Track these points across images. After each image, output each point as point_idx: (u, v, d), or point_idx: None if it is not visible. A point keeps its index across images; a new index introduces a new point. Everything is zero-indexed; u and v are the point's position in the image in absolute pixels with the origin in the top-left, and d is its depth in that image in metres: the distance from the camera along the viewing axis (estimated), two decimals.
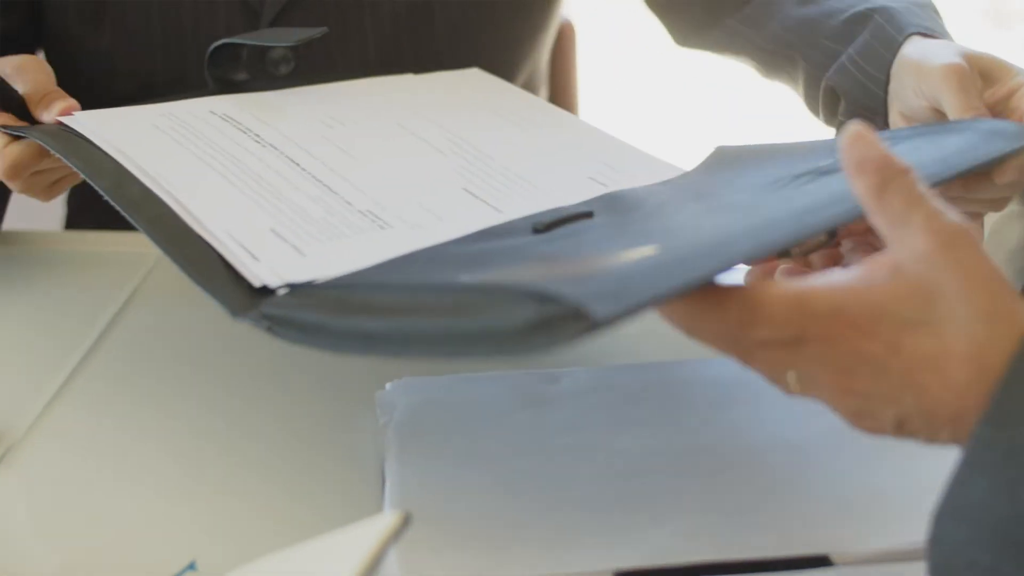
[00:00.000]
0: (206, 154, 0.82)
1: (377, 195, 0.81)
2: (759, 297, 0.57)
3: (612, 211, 0.81)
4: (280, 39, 0.94)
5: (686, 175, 0.90)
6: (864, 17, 0.98)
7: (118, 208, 0.76)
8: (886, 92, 0.94)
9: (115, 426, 0.84)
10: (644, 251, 0.64)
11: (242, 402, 0.86)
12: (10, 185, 0.89)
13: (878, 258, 0.58)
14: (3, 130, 0.87)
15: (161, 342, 0.94)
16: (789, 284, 0.57)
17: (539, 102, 1.02)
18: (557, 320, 0.55)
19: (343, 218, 0.77)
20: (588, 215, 0.80)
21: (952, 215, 0.57)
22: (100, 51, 1.14)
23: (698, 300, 0.57)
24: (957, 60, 0.87)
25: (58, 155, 0.82)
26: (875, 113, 0.96)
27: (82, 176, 0.80)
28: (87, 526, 0.74)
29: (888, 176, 0.58)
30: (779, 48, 1.09)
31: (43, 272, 1.05)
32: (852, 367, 0.57)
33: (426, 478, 0.74)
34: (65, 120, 0.86)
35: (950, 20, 1.00)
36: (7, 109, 0.89)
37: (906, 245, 0.57)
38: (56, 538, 0.73)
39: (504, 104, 0.98)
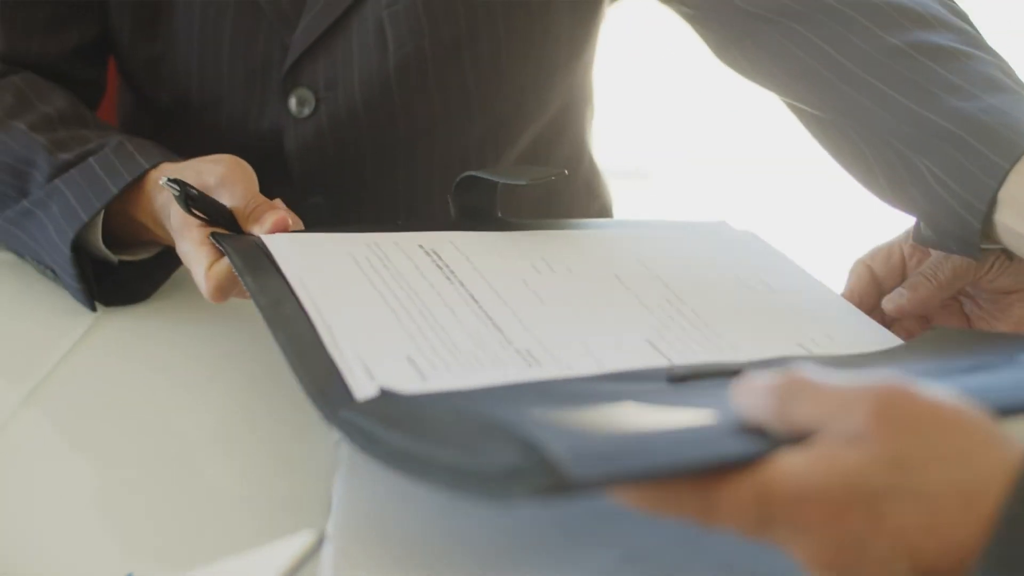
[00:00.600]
0: (386, 286, 0.84)
1: (544, 336, 0.81)
2: (717, 490, 0.55)
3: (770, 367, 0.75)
4: (518, 176, 0.94)
5: (890, 353, 0.85)
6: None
7: (267, 324, 0.78)
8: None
9: (58, 441, 0.85)
10: (688, 417, 0.61)
11: (192, 415, 0.87)
12: (222, 300, 0.91)
13: (831, 435, 0.55)
14: (211, 239, 0.89)
15: (114, 358, 0.96)
16: (750, 473, 0.55)
17: (787, 263, 0.98)
18: (532, 470, 0.54)
19: (492, 353, 0.78)
20: (735, 372, 0.77)
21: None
22: (136, 68, 1.17)
23: (658, 487, 0.56)
24: None
25: (236, 272, 0.84)
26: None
27: (246, 285, 0.83)
28: (25, 537, 0.74)
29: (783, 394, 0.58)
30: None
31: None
32: (831, 546, 0.53)
33: (375, 494, 0.74)
34: (264, 239, 0.88)
35: None
36: (215, 224, 0.91)
37: (847, 430, 0.55)
38: None
39: (754, 267, 0.96)
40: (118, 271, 1.02)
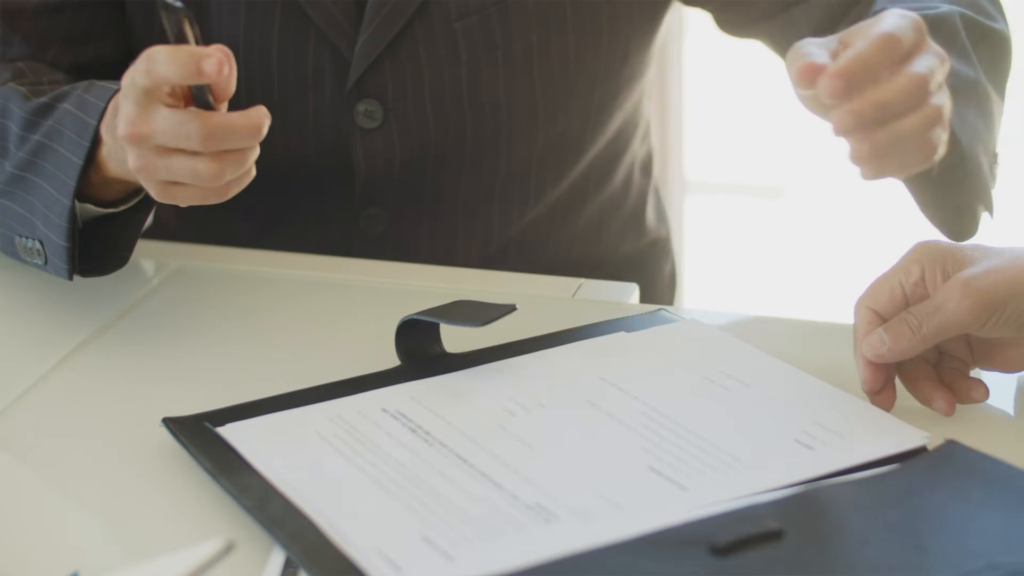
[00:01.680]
0: (367, 461, 0.82)
1: (548, 485, 0.79)
2: None
3: (803, 524, 0.76)
4: (469, 318, 0.91)
5: (899, 472, 0.82)
6: None
7: (262, 527, 0.77)
8: None
9: (8, 441, 0.88)
10: None
11: (136, 417, 0.89)
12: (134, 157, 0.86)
13: None
14: (164, 424, 0.86)
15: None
16: None
17: (755, 355, 0.95)
18: None
19: (506, 515, 0.77)
20: (777, 534, 0.75)
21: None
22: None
23: None
24: None
25: (205, 472, 0.82)
26: None
27: (223, 487, 0.81)
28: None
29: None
30: None
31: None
32: None
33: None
34: (221, 432, 0.85)
35: None
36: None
37: None
38: None
39: (714, 362, 0.93)
40: (90, 238, 0.99)
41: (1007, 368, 0.90)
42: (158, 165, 0.86)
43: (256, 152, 0.87)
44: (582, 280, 1.08)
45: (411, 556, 0.74)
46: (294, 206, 1.18)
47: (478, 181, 1.19)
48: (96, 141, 0.94)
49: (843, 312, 0.94)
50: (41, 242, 0.98)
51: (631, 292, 1.08)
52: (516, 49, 1.13)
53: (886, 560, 0.73)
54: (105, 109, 0.93)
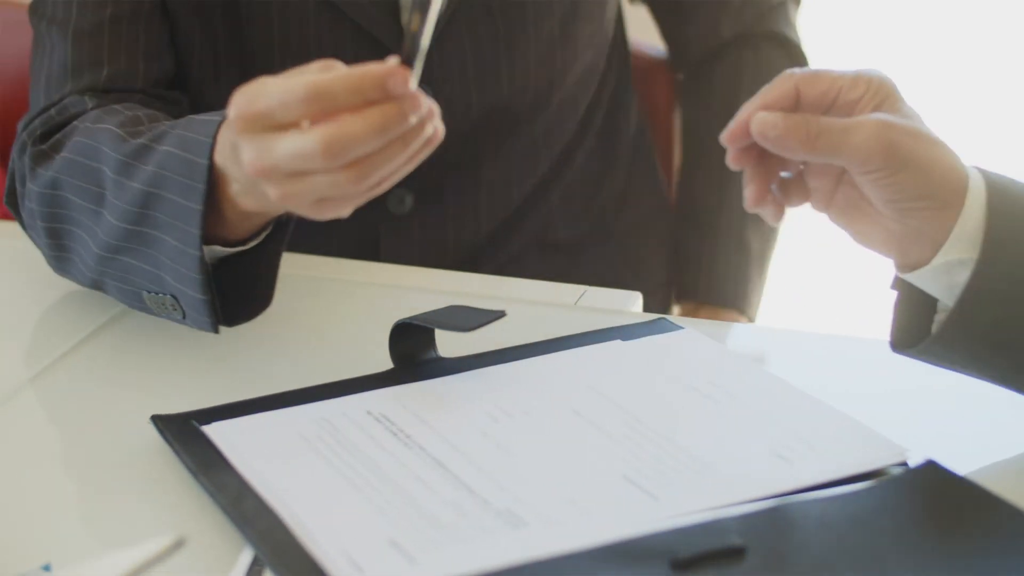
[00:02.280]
0: (345, 463, 0.83)
1: (521, 491, 0.80)
2: None
3: (766, 542, 0.75)
4: (460, 322, 0.91)
5: (872, 490, 0.80)
6: None
7: (234, 524, 0.78)
8: None
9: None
10: None
11: (129, 415, 0.90)
12: (270, 188, 0.81)
13: None
14: (153, 423, 0.87)
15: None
16: None
17: (746, 366, 0.95)
18: None
19: (476, 520, 0.77)
20: (739, 551, 0.74)
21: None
22: (217, 100, 1.07)
23: None
24: None
25: (188, 470, 0.83)
26: None
27: (202, 484, 0.82)
28: None
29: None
30: None
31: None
32: None
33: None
34: (206, 430, 0.86)
35: None
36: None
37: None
38: None
39: (705, 373, 0.93)
40: (225, 281, 0.93)
41: (859, 235, 0.85)
42: (299, 190, 0.80)
43: (422, 134, 0.80)
44: (585, 288, 1.09)
45: (375, 558, 0.75)
46: None
47: (503, 154, 1.22)
48: (212, 182, 0.88)
49: (843, 325, 0.94)
50: (175, 296, 0.93)
51: (635, 300, 1.08)
52: (545, 25, 1.16)
53: None
54: (213, 145, 0.87)
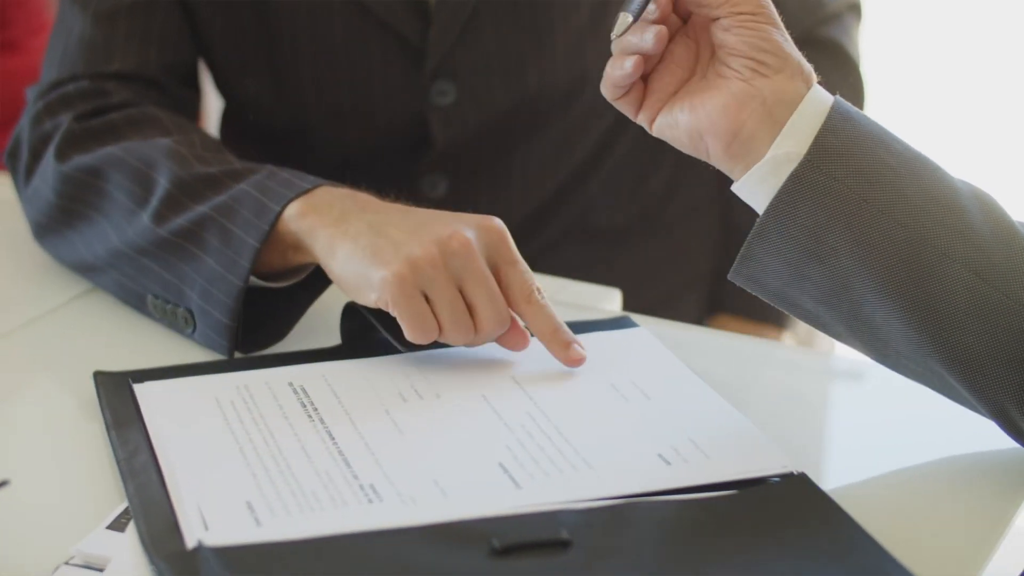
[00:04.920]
0: (242, 429, 0.86)
1: (393, 469, 0.81)
2: None
3: (596, 539, 0.75)
4: (401, 336, 0.91)
5: (730, 499, 0.79)
6: None
7: (120, 475, 0.82)
8: None
9: None
10: None
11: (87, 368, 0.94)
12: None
13: None
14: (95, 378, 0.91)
15: None
16: None
17: (677, 369, 0.93)
18: None
19: (336, 492, 0.79)
20: (563, 544, 0.74)
21: None
22: (248, 96, 1.20)
23: None
24: None
25: (104, 423, 0.87)
26: None
27: (110, 439, 0.85)
28: None
29: None
30: None
31: None
32: None
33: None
34: (136, 389, 0.90)
35: None
36: None
37: None
38: None
39: (631, 371, 0.92)
40: (251, 310, 0.97)
41: (699, 118, 0.83)
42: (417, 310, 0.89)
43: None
44: (568, 282, 1.08)
45: (225, 517, 0.77)
46: (354, 182, 1.24)
47: (536, 143, 1.24)
48: (274, 228, 0.94)
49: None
50: (190, 311, 0.97)
51: (614, 297, 1.07)
52: (572, 17, 1.18)
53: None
54: (292, 200, 0.94)
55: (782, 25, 0.83)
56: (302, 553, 0.73)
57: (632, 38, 0.83)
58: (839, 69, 1.29)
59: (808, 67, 0.83)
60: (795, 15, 1.28)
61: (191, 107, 1.15)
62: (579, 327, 0.97)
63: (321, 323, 1.00)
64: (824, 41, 1.30)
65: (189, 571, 0.72)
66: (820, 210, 0.79)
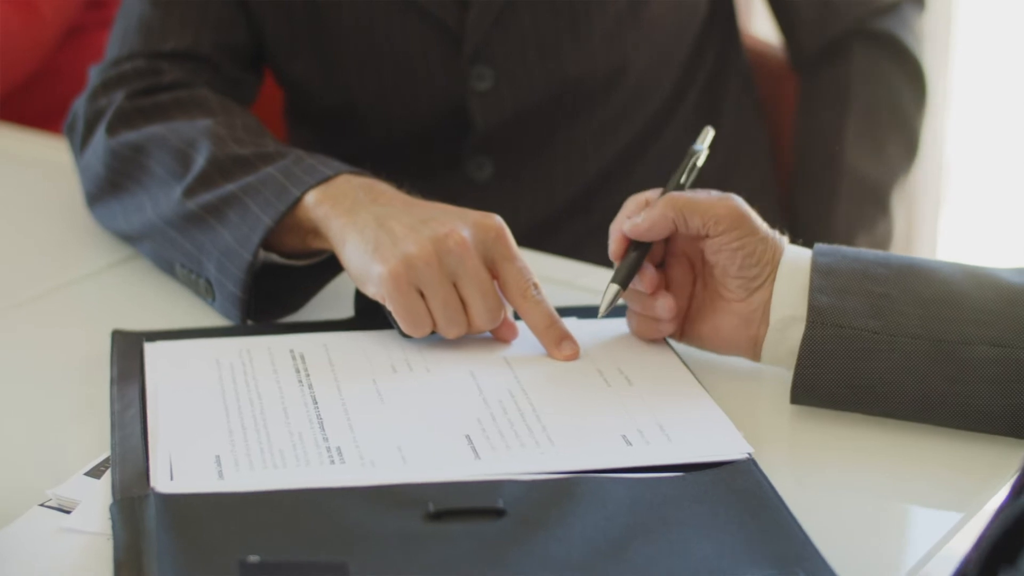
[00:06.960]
0: (232, 389, 0.88)
1: (362, 435, 0.83)
2: None
3: (532, 510, 0.75)
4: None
5: (674, 480, 0.79)
6: None
7: (111, 427, 0.85)
8: None
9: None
10: None
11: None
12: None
13: None
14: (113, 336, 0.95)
15: None
16: None
17: (666, 357, 0.93)
18: None
19: (302, 453, 0.81)
20: (498, 512, 0.75)
21: None
22: (298, 79, 1.22)
23: None
24: None
25: (110, 381, 0.91)
26: None
27: (110, 393, 0.89)
28: None
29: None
30: None
31: None
32: None
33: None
34: (146, 346, 0.94)
35: None
36: None
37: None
38: None
39: (620, 358, 0.92)
40: (268, 282, 1.01)
41: (716, 337, 0.91)
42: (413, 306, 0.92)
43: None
44: (595, 268, 1.08)
45: (191, 469, 0.80)
46: (404, 164, 1.25)
47: (578, 128, 1.25)
48: (293, 211, 0.98)
49: None
50: (209, 281, 1.01)
51: None
52: (610, 4, 1.19)
53: (580, 563, 0.72)
54: (312, 187, 0.97)
55: (761, 226, 0.89)
56: (240, 505, 0.75)
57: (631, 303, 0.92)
58: (895, 62, 1.28)
59: (775, 236, 0.89)
60: (845, 6, 1.27)
61: (247, 89, 1.19)
62: (584, 311, 0.97)
63: (337, 297, 1.02)
64: (879, 33, 1.29)
65: (137, 514, 0.75)
66: (843, 359, 0.86)
